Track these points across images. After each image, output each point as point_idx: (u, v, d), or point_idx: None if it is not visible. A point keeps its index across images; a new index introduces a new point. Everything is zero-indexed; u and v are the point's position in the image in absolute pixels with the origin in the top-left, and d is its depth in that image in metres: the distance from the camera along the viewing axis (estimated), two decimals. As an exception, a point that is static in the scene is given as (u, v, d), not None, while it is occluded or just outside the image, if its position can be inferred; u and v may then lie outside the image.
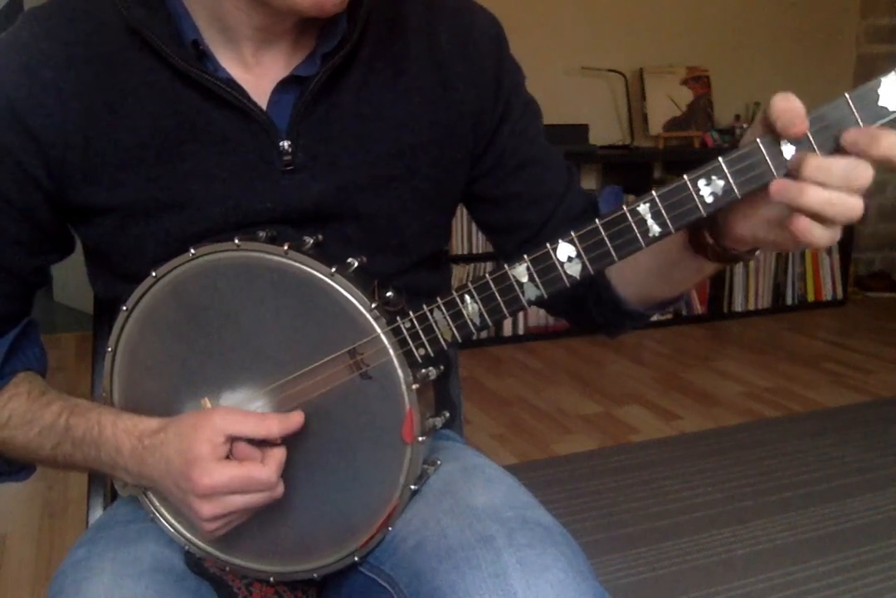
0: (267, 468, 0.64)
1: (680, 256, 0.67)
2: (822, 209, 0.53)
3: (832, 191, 0.52)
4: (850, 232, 3.80)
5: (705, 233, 0.63)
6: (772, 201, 0.55)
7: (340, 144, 0.73)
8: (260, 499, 0.65)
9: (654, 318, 0.81)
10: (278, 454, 0.66)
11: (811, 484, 2.10)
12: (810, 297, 3.83)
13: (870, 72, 3.90)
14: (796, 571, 1.72)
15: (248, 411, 0.68)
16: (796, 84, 3.83)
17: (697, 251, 0.65)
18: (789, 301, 3.80)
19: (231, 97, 0.69)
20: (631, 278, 0.75)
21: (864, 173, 0.52)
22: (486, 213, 0.84)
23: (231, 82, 0.70)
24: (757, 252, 0.64)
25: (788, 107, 0.52)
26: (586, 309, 0.80)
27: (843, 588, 1.66)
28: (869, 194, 3.94)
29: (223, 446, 0.64)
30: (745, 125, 3.62)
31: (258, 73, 0.72)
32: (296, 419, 0.66)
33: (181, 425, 0.66)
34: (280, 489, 0.66)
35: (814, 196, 0.52)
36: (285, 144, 0.71)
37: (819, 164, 0.52)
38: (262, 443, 0.66)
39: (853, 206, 0.53)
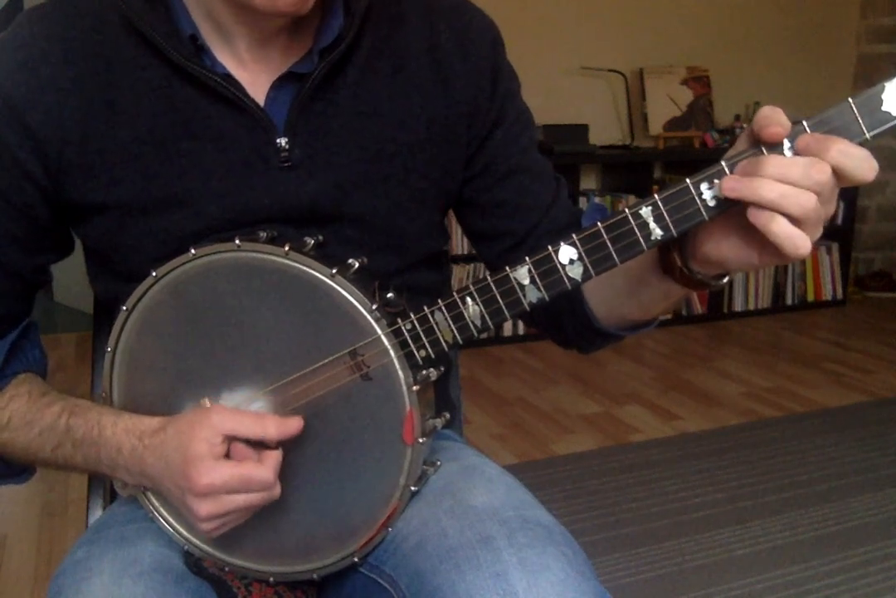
0: (264, 468, 0.64)
1: (649, 277, 0.67)
2: (774, 200, 0.52)
3: (786, 185, 0.52)
4: (850, 232, 3.81)
5: (674, 254, 0.63)
6: (738, 217, 0.54)
7: (338, 141, 0.73)
8: (257, 499, 0.65)
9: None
10: (275, 455, 0.66)
11: (811, 484, 2.10)
12: (810, 297, 3.83)
13: (870, 72, 3.90)
14: (796, 571, 1.72)
15: (245, 410, 0.68)
16: (796, 84, 3.84)
17: (666, 272, 0.65)
18: (789, 301, 3.80)
19: (228, 93, 0.69)
20: (603, 297, 0.74)
21: (822, 169, 0.52)
22: (471, 218, 0.84)
23: (229, 78, 0.70)
24: (724, 279, 0.64)
25: (773, 115, 0.53)
26: (562, 323, 0.80)
27: (843, 588, 1.66)
28: (869, 194, 3.91)
29: (221, 445, 0.64)
30: (744, 125, 3.59)
31: (255, 70, 0.72)
32: (294, 424, 0.66)
33: (180, 424, 0.66)
34: (277, 490, 0.66)
35: (768, 188, 0.52)
36: (282, 140, 0.71)
37: (780, 161, 0.52)
38: (260, 444, 0.66)
39: (806, 199, 0.52)
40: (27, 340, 0.79)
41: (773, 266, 3.67)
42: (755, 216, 0.53)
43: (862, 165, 0.52)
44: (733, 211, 0.56)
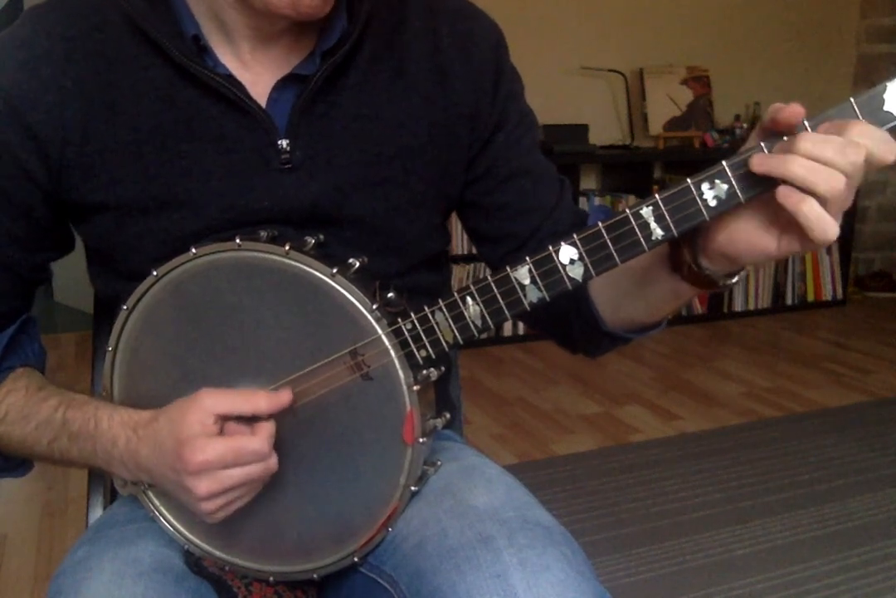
0: (257, 438, 0.64)
1: (657, 275, 0.67)
2: (805, 176, 0.52)
3: (817, 163, 0.52)
4: (849, 232, 3.81)
5: (684, 249, 0.62)
6: (757, 204, 0.54)
7: (339, 143, 0.73)
8: (255, 471, 0.65)
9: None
10: (267, 425, 0.66)
11: (811, 484, 2.10)
12: (810, 297, 3.82)
13: (870, 72, 3.90)
14: (796, 571, 1.72)
15: (235, 389, 0.67)
16: (796, 84, 3.84)
17: (675, 270, 0.64)
18: (789, 301, 3.80)
19: (230, 94, 0.69)
20: (610, 296, 0.74)
21: (858, 151, 0.52)
22: (474, 220, 0.84)
23: (230, 79, 0.70)
24: (734, 280, 0.64)
25: (783, 105, 0.53)
26: (568, 326, 0.80)
27: (843, 588, 1.66)
28: (869, 194, 3.90)
29: (213, 425, 0.64)
30: (744, 125, 3.62)
31: (257, 71, 0.72)
32: (285, 396, 0.66)
33: (171, 412, 0.66)
34: (274, 460, 0.66)
35: (798, 163, 0.52)
36: (283, 142, 0.71)
37: (815, 137, 0.52)
38: (253, 420, 0.66)
39: (836, 179, 0.52)
40: (25, 334, 0.79)
41: (782, 260, 3.66)
42: (785, 196, 0.53)
43: (881, 146, 0.52)
44: (761, 198, 0.55)
